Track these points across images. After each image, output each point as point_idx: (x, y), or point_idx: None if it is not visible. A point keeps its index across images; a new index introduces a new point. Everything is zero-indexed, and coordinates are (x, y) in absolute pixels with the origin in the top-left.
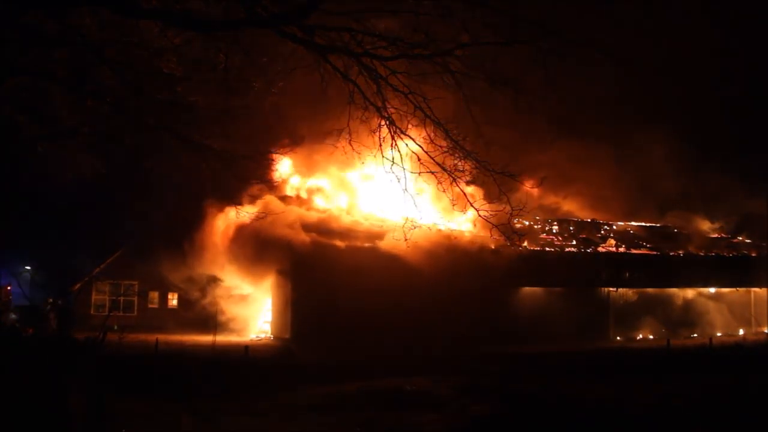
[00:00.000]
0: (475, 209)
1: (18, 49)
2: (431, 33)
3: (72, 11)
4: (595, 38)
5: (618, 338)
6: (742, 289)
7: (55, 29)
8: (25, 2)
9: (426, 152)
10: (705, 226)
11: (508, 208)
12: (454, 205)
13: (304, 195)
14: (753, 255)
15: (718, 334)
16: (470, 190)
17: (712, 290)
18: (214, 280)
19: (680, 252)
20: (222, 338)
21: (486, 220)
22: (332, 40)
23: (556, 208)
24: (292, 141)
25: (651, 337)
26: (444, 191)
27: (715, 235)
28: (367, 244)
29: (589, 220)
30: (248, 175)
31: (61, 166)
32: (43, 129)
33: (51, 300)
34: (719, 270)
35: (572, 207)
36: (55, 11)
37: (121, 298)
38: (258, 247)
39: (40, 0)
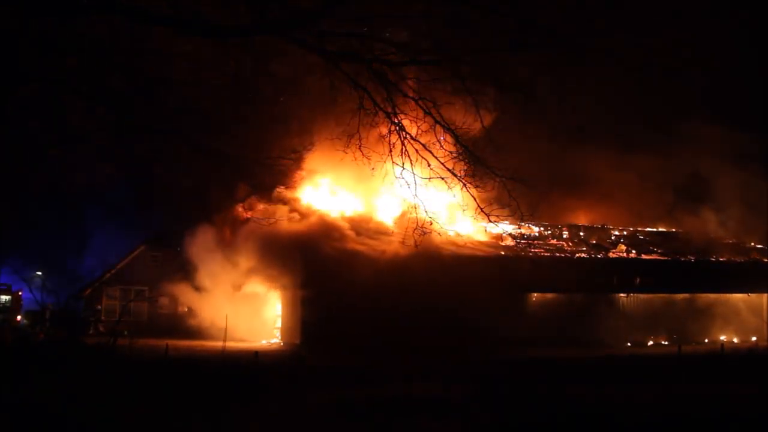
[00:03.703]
0: (486, 214)
1: (30, 56)
2: (441, 39)
3: (83, 19)
4: (604, 44)
5: (628, 344)
6: (753, 295)
7: (68, 37)
8: (37, 10)
9: (436, 157)
10: (715, 230)
11: (518, 213)
12: (463, 210)
13: (314, 200)
14: (765, 260)
15: (733, 340)
16: (480, 195)
17: (724, 296)
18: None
19: (691, 257)
20: (232, 344)
21: (496, 225)
22: (342, 46)
23: (566, 213)
24: (302, 146)
25: (663, 342)
26: (454, 196)
27: (727, 241)
28: (378, 249)
29: (599, 226)
30: (258, 180)
31: (72, 172)
32: (55, 135)
33: (62, 305)
34: (731, 275)
35: (582, 212)
36: (67, 19)
37: (131, 304)
38: (268, 253)
39: (52, 8)
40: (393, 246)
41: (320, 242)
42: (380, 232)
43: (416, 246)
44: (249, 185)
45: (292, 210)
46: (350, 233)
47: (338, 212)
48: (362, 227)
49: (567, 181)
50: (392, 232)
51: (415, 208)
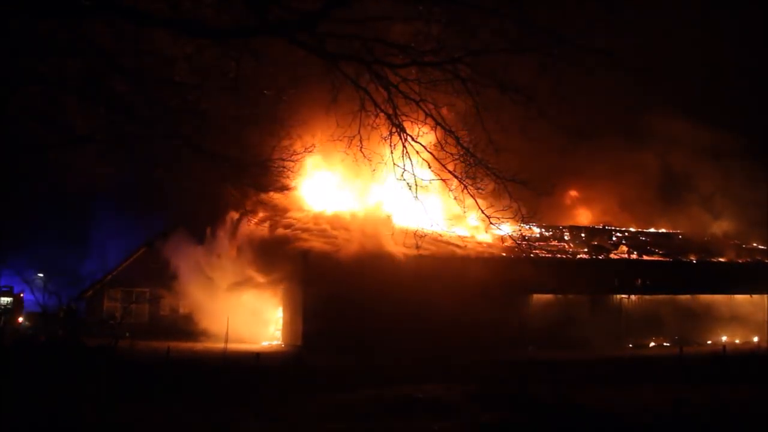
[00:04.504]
0: (486, 216)
1: (32, 57)
2: (442, 40)
3: (85, 20)
4: (605, 46)
5: (630, 345)
6: (756, 296)
7: (69, 38)
8: (39, 12)
9: (437, 159)
10: (717, 229)
11: (519, 215)
12: (465, 212)
13: (315, 201)
14: (767, 261)
15: (735, 341)
16: (481, 197)
17: (726, 297)
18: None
19: (693, 258)
20: (233, 346)
21: (497, 227)
22: (343, 47)
23: (567, 215)
24: (304, 148)
25: (666, 344)
26: (455, 198)
27: (729, 241)
28: (379, 251)
29: (600, 227)
30: (259, 182)
31: (74, 173)
32: (56, 136)
33: (63, 307)
34: (733, 276)
35: (584, 213)
36: (69, 21)
37: (133, 306)
38: (269, 254)
39: (54, 10)
40: (395, 247)
41: (322, 244)
42: (383, 233)
43: (417, 247)
44: (249, 187)
45: (292, 211)
46: (352, 234)
47: (341, 214)
48: (364, 229)
49: (567, 182)
50: (394, 234)
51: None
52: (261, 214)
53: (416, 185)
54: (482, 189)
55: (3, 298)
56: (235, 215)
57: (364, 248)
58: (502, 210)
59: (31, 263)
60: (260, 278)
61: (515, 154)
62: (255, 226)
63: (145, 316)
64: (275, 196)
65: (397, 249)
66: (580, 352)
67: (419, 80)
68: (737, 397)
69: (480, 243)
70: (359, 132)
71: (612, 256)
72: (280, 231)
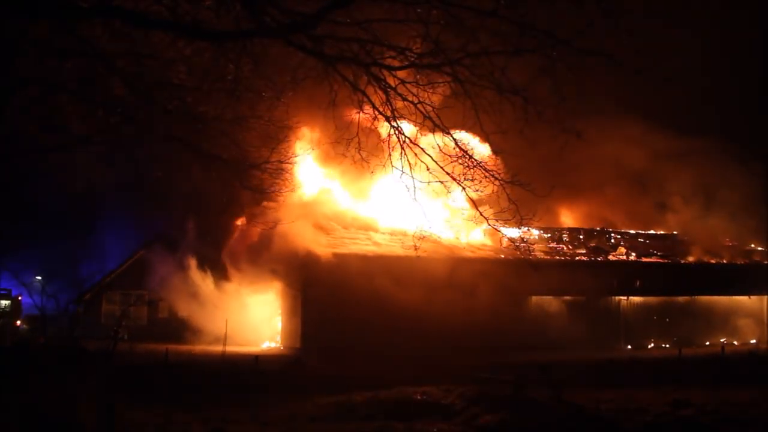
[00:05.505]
0: (485, 218)
1: (30, 60)
2: (440, 42)
3: (83, 23)
4: (604, 47)
5: (629, 347)
6: (754, 297)
7: (66, 40)
8: (36, 14)
9: (435, 161)
10: (716, 230)
11: (517, 216)
12: (463, 214)
13: (313, 204)
14: (765, 263)
15: (734, 342)
16: (479, 198)
17: (724, 298)
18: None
19: (691, 260)
20: (232, 348)
21: (495, 229)
22: (341, 50)
23: (566, 216)
24: (302, 150)
25: (665, 345)
26: (453, 200)
27: (728, 243)
28: (377, 253)
29: (599, 229)
30: (257, 185)
31: (72, 176)
32: (54, 139)
33: (62, 309)
34: (731, 278)
35: (582, 215)
36: (67, 23)
37: (131, 308)
38: (267, 256)
39: (51, 12)
40: (393, 250)
41: (320, 247)
42: (381, 236)
43: (416, 249)
44: (247, 189)
45: (290, 213)
46: (350, 237)
47: (339, 216)
48: (363, 231)
49: (568, 184)
50: (392, 237)
51: None
52: (258, 216)
53: (414, 187)
54: (480, 191)
55: (1, 301)
56: (233, 217)
57: (362, 252)
58: (501, 212)
59: (29, 266)
60: (258, 280)
61: (514, 156)
62: (252, 227)
63: (144, 319)
64: (273, 198)
65: (394, 252)
66: (579, 353)
67: (417, 82)
68: (736, 399)
69: (478, 245)
70: (357, 134)
71: (610, 257)
72: (278, 233)
